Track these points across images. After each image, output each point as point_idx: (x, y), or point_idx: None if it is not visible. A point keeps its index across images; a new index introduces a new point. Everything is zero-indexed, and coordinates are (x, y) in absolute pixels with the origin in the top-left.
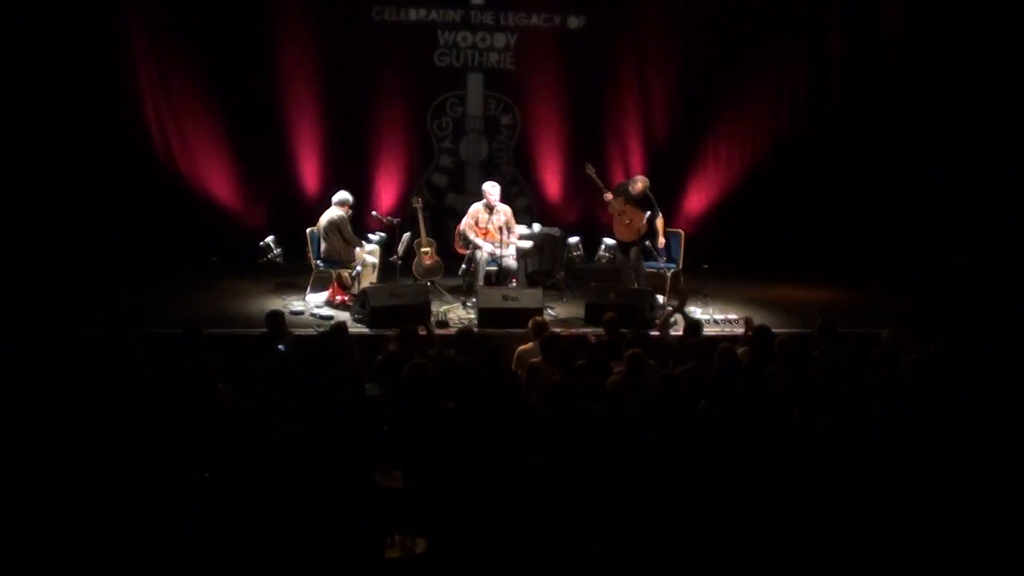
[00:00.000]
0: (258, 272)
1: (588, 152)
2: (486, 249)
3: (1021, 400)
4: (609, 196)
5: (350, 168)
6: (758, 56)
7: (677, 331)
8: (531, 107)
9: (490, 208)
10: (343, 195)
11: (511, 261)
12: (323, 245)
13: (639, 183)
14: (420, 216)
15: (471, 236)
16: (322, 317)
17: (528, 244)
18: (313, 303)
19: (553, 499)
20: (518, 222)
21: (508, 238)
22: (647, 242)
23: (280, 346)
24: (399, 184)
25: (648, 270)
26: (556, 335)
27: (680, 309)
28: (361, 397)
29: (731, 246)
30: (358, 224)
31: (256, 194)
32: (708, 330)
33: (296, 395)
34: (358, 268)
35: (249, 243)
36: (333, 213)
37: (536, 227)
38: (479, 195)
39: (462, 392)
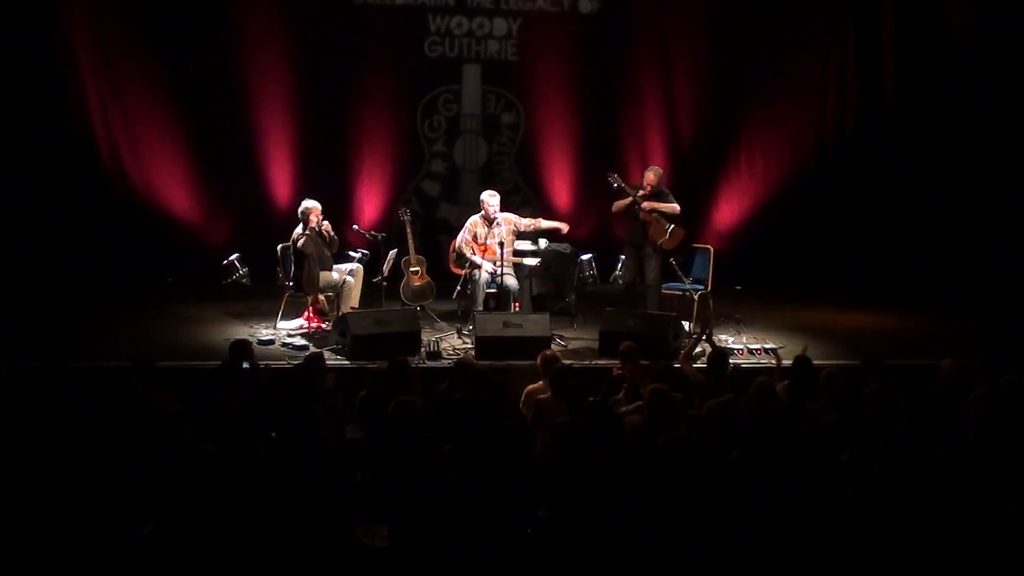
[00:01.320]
0: (221, 295)
1: (602, 156)
2: (486, 268)
3: None
4: (647, 204)
5: (327, 175)
6: (799, 46)
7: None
8: (536, 104)
9: (489, 221)
10: (304, 204)
11: (514, 282)
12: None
13: (650, 174)
14: (408, 230)
15: (468, 254)
16: (295, 347)
17: (534, 262)
18: (285, 331)
19: (559, 560)
20: (522, 237)
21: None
22: (672, 260)
23: (245, 363)
24: (384, 194)
25: (671, 292)
26: (567, 368)
27: (708, 337)
28: (340, 440)
29: (768, 265)
30: (341, 240)
31: (219, 206)
32: (742, 362)
33: (265, 437)
34: (344, 279)
35: (210, 262)
36: (295, 232)
37: (542, 243)
38: (476, 206)
39: (457, 434)
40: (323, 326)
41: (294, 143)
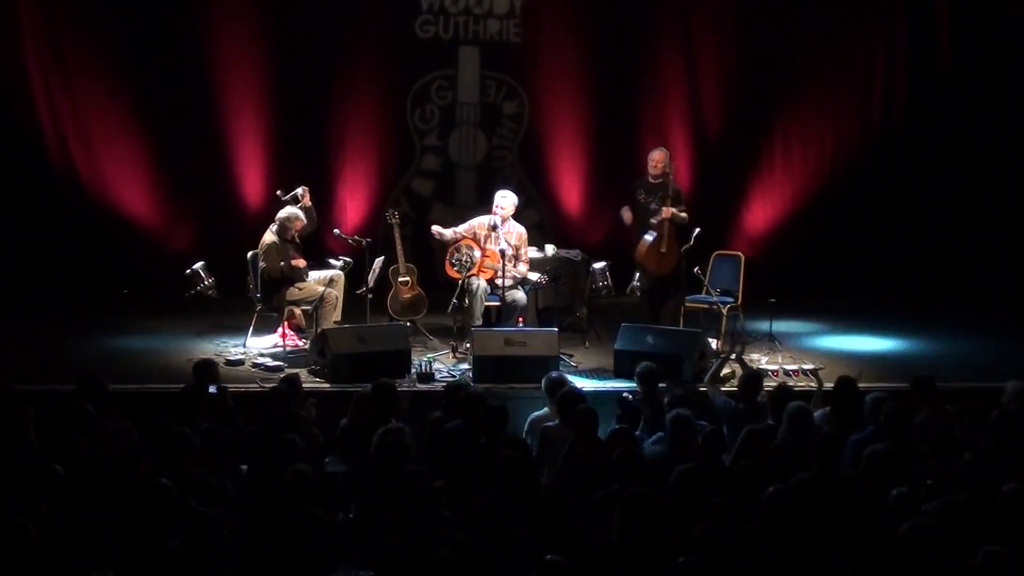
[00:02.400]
0: (183, 309)
1: (617, 151)
2: (477, 282)
3: None
4: (667, 212)
5: (304, 173)
6: (841, 24)
7: (734, 386)
8: (543, 92)
9: (493, 226)
10: (284, 213)
11: (520, 294)
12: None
13: (657, 154)
14: (396, 235)
15: (447, 235)
16: (268, 368)
17: (544, 278)
18: (256, 350)
19: None
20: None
21: (512, 269)
22: (696, 269)
23: (211, 387)
24: (369, 194)
25: (696, 305)
26: (577, 392)
27: (737, 357)
28: (320, 475)
29: (806, 274)
30: (319, 246)
31: (181, 207)
32: (775, 384)
33: (234, 471)
34: (324, 290)
35: (172, 271)
36: (262, 245)
37: (550, 249)
38: (472, 206)
39: (452, 468)
40: (300, 344)
41: (267, 136)
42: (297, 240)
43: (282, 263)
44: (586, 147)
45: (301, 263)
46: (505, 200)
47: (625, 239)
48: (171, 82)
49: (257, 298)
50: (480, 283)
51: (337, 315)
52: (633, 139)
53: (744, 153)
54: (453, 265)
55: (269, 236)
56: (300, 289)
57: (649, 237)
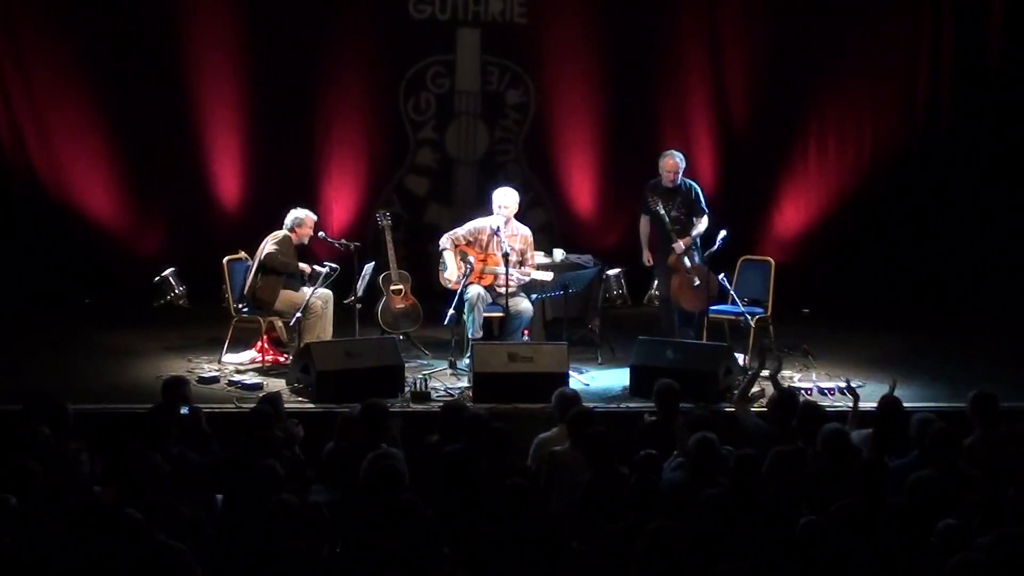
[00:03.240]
0: (152, 320)
1: (633, 144)
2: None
3: None
4: (681, 244)
5: (286, 170)
6: (882, 12)
7: (764, 406)
8: (550, 79)
9: (496, 229)
10: (294, 215)
11: (523, 303)
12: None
13: (669, 160)
14: (388, 238)
15: (447, 245)
16: (245, 387)
17: (549, 276)
18: (232, 366)
19: None
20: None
21: (516, 271)
22: (721, 276)
23: (182, 407)
24: (357, 193)
25: (721, 317)
26: (589, 412)
27: (771, 374)
28: (303, 504)
29: (843, 281)
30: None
31: (149, 209)
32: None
33: (208, 501)
34: (298, 315)
35: (139, 278)
36: (275, 235)
37: (558, 254)
38: (472, 206)
39: (450, 498)
40: (281, 360)
41: (244, 130)
42: (305, 242)
43: (299, 263)
44: (599, 140)
45: (307, 269)
46: (507, 198)
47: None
48: (137, 71)
49: (239, 309)
50: (477, 291)
51: (325, 329)
52: (652, 132)
53: (774, 150)
54: (444, 270)
55: (280, 232)
56: (289, 298)
57: (675, 275)
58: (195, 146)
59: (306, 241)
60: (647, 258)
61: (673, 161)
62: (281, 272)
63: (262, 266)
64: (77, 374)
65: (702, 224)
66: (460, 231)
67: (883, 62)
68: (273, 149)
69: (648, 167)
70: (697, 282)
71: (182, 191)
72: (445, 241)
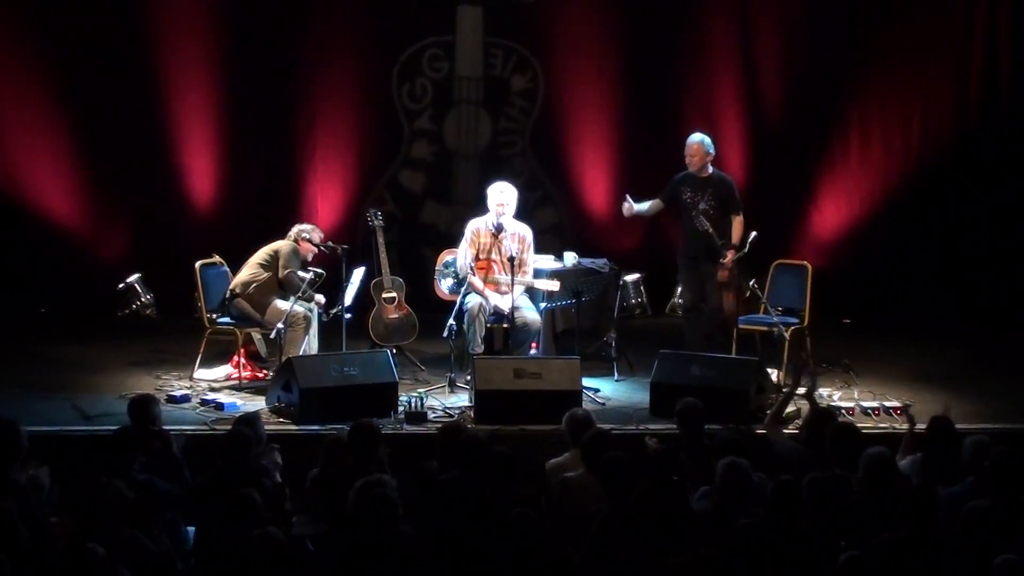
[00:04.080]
0: (115, 332)
1: (653, 135)
2: (493, 300)
3: None
4: (731, 257)
5: (266, 165)
6: None
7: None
8: (561, 62)
9: (498, 228)
10: (299, 229)
11: (531, 314)
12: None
13: (693, 144)
14: (379, 241)
15: (461, 262)
16: (219, 406)
17: (555, 286)
18: (206, 383)
19: None
20: (543, 250)
21: (519, 275)
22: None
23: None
24: (346, 189)
25: (752, 328)
26: (605, 435)
27: (806, 392)
28: (285, 538)
29: (888, 288)
30: None
31: (113, 208)
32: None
33: (179, 534)
34: (280, 327)
35: (101, 285)
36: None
37: (570, 258)
38: (474, 204)
39: (448, 530)
40: (259, 376)
41: (218, 120)
42: (309, 259)
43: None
44: (615, 131)
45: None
46: (505, 195)
47: (665, 244)
48: (100, 56)
49: (211, 318)
50: (479, 300)
51: (308, 342)
52: (674, 122)
53: (812, 141)
54: (443, 280)
55: (287, 244)
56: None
57: (728, 290)
58: (164, 138)
59: (310, 258)
60: (626, 208)
61: (697, 144)
62: (294, 294)
63: (260, 272)
64: (32, 392)
65: (739, 224)
66: (467, 246)
67: (933, 42)
68: (251, 141)
69: (671, 161)
70: (748, 294)
71: (149, 188)
72: (462, 258)
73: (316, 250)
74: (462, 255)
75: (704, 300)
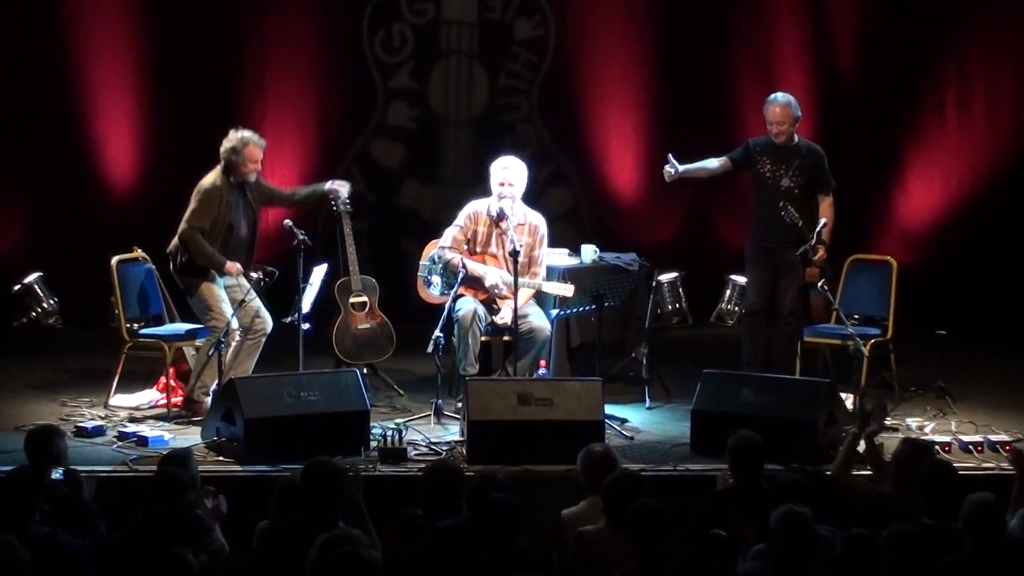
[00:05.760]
0: (9, 345)
1: (695, 98)
2: (492, 278)
3: None
4: (821, 253)
5: (200, 136)
6: None
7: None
8: (577, 5)
9: (500, 215)
10: (237, 137)
11: (537, 321)
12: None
13: (775, 108)
14: (346, 231)
15: (447, 257)
16: (142, 441)
17: (569, 289)
18: (125, 411)
19: None
20: (555, 243)
21: (526, 280)
22: (821, 284)
23: (55, 471)
24: (303, 166)
25: (821, 341)
26: (633, 478)
27: (871, 432)
28: None
29: (994, 292)
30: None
31: (5, 191)
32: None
33: None
34: (221, 339)
35: None
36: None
37: (589, 252)
38: (467, 184)
39: None
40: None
41: (140, 82)
42: (250, 195)
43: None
44: (646, 93)
45: (233, 269)
46: (510, 172)
47: (709, 233)
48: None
49: (132, 329)
50: (472, 307)
51: (249, 362)
52: (722, 81)
53: (897, 109)
54: (431, 281)
55: (210, 178)
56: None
57: (816, 300)
58: (71, 103)
59: (252, 178)
60: (668, 169)
61: (779, 107)
62: (199, 261)
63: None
64: None
65: (828, 207)
66: (457, 232)
67: None
68: (182, 107)
69: (717, 129)
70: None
71: (52, 165)
72: (448, 253)
73: (258, 167)
74: (444, 239)
75: (776, 303)
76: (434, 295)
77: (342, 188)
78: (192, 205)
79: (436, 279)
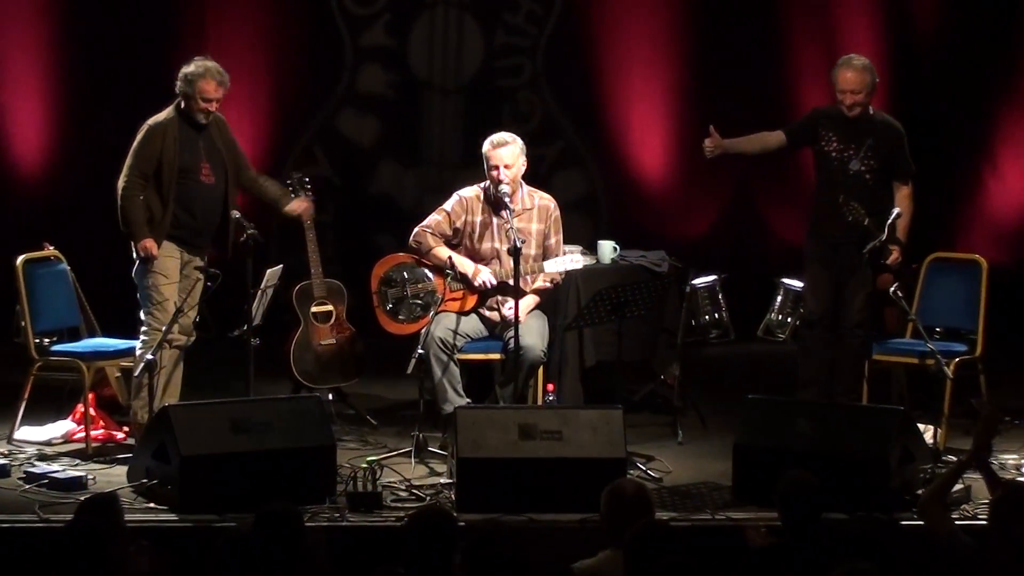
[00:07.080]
0: None
1: (737, 64)
2: (483, 276)
3: None
4: (895, 255)
5: (130, 109)
6: None
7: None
8: None
9: (496, 203)
10: (190, 69)
11: (530, 335)
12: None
13: (848, 73)
14: (306, 223)
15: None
16: (58, 483)
17: (578, 262)
18: (33, 446)
19: None
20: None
21: (534, 279)
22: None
23: None
24: (255, 143)
25: (893, 359)
26: (662, 528)
27: (978, 461)
28: None
29: None
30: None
31: None
32: None
33: None
34: (149, 357)
35: None
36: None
37: (607, 249)
38: (456, 167)
39: None
40: (118, 436)
41: (51, 44)
42: (219, 144)
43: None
44: (677, 52)
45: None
46: (506, 149)
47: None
48: None
49: (42, 345)
50: (442, 330)
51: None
52: (773, 44)
53: (987, 78)
54: (395, 312)
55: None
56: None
57: (890, 311)
58: None
59: (201, 119)
60: (709, 144)
61: (854, 72)
62: (120, 226)
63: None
64: None
65: (906, 198)
66: (438, 217)
67: None
68: (103, 75)
69: (765, 99)
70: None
71: None
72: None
73: (218, 95)
74: (426, 221)
75: (840, 313)
76: (404, 322)
77: (304, 211)
78: (132, 145)
79: (401, 305)
